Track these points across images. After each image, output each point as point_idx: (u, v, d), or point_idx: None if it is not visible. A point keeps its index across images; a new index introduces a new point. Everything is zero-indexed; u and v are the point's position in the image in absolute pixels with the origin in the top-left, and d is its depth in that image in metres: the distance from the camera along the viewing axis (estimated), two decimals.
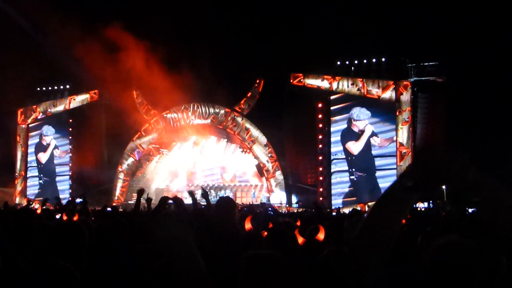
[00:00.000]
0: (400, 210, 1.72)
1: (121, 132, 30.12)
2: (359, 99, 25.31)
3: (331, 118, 26.07)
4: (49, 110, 31.60)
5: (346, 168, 25.57)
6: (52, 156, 31.67)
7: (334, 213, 14.54)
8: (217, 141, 31.40)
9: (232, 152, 31.12)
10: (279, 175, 28.19)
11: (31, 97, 31.91)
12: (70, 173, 30.57)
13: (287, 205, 26.41)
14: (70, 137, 30.74)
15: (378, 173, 24.70)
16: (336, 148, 25.86)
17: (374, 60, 25.13)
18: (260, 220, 4.51)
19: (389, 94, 24.47)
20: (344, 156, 25.66)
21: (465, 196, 1.67)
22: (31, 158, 32.16)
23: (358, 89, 25.16)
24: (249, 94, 28.98)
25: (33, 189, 31.88)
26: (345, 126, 25.59)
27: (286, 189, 27.98)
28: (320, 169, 26.43)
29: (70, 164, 30.60)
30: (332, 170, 25.93)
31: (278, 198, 27.54)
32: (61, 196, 23.64)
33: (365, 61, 25.39)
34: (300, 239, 3.53)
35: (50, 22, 23.31)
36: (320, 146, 26.38)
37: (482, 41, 23.71)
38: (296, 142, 28.13)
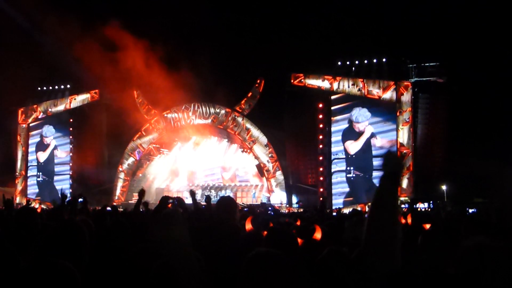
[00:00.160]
0: (394, 203, 1.98)
1: (122, 132, 30.14)
2: (360, 100, 25.31)
3: (332, 118, 26.06)
4: (49, 109, 31.62)
5: (345, 167, 25.62)
6: (52, 155, 31.69)
7: (334, 213, 14.55)
8: (218, 141, 31.40)
9: (232, 152, 31.12)
10: (279, 175, 28.19)
11: (31, 97, 31.95)
12: (71, 173, 30.57)
13: (287, 205, 26.40)
14: (71, 137, 30.74)
15: (375, 173, 24.68)
16: (336, 148, 25.86)
17: (374, 60, 25.12)
18: (260, 221, 4.51)
19: (389, 94, 24.46)
20: (344, 156, 25.68)
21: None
22: (31, 157, 32.21)
23: (359, 90, 25.14)
24: (249, 94, 28.98)
25: (33, 188, 31.93)
26: (346, 125, 25.61)
27: (287, 189, 27.99)
28: (321, 169, 26.42)
29: (71, 164, 30.60)
30: (332, 170, 25.93)
31: (279, 198, 27.54)
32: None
33: (365, 61, 25.39)
34: (298, 240, 3.52)
35: (50, 21, 23.29)
36: (321, 146, 26.38)
37: (482, 42, 23.71)
38: (297, 142, 28.14)
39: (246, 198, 29.47)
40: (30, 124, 32.37)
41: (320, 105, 26.39)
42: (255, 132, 28.71)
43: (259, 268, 1.99)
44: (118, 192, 30.76)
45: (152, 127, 30.89)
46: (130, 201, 28.46)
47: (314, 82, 26.40)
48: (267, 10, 27.49)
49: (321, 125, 26.34)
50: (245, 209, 10.44)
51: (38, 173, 31.80)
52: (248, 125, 28.82)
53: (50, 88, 31.74)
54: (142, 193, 6.18)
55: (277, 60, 26.34)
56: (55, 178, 31.32)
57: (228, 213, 4.08)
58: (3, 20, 24.22)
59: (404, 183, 23.85)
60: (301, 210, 19.83)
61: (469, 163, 22.44)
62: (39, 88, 31.74)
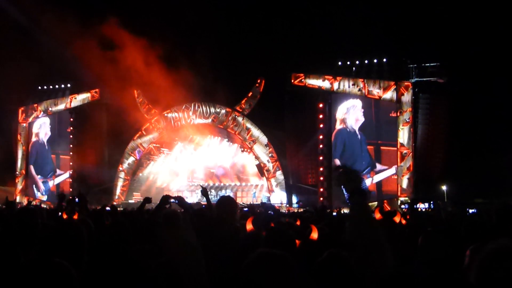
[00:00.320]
0: (366, 215, 2.24)
1: (122, 131, 30.14)
2: (360, 100, 25.37)
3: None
4: (50, 109, 31.65)
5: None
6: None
7: (334, 213, 14.53)
8: (218, 140, 31.39)
9: (232, 152, 31.12)
10: (279, 175, 28.20)
11: (32, 96, 31.97)
12: (71, 172, 30.57)
13: (288, 205, 26.41)
14: (71, 136, 30.73)
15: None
16: None
17: (375, 60, 25.12)
18: (260, 220, 4.51)
19: (390, 94, 24.45)
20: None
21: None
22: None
23: (359, 90, 25.15)
24: (250, 94, 28.98)
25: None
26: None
27: (287, 189, 27.99)
28: (321, 169, 26.41)
29: (71, 163, 30.59)
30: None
31: (279, 198, 27.55)
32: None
33: (366, 61, 25.39)
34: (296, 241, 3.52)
35: (51, 20, 23.31)
36: (321, 146, 26.37)
37: (483, 42, 23.72)
38: (297, 142, 28.14)
39: (246, 198, 29.48)
40: (31, 123, 32.41)
41: (321, 105, 26.39)
42: (255, 132, 28.71)
43: (262, 269, 1.99)
44: (118, 191, 30.76)
45: (152, 126, 30.90)
46: (130, 201, 28.50)
47: (315, 82, 26.40)
48: (267, 10, 27.49)
49: (321, 125, 26.34)
50: (245, 209, 10.42)
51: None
52: (249, 125, 28.83)
53: (51, 87, 31.76)
54: (147, 200, 6.15)
55: (278, 60, 26.37)
56: (57, 177, 31.38)
57: (228, 213, 4.08)
58: (4, 19, 24.24)
59: (404, 183, 23.86)
60: (301, 210, 19.84)
61: (469, 163, 22.46)
62: (39, 87, 31.76)
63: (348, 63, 25.84)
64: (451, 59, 23.69)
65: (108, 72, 25.90)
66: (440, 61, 23.76)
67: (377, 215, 6.14)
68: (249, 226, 3.81)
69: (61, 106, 31.40)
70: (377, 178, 24.75)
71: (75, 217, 5.93)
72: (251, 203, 25.33)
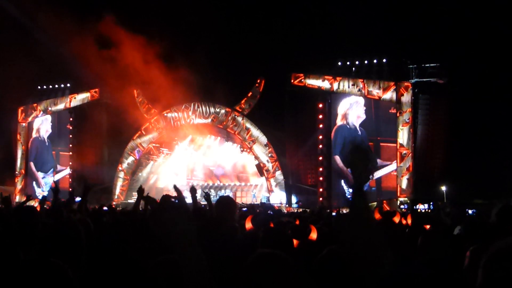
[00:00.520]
0: (367, 215, 2.16)
1: (122, 131, 30.12)
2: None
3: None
4: (49, 108, 31.65)
5: None
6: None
7: (334, 213, 14.53)
8: (218, 140, 31.39)
9: (232, 152, 31.11)
10: (279, 175, 28.20)
11: (32, 96, 31.97)
12: (70, 172, 30.56)
13: (287, 205, 26.40)
14: (71, 136, 30.72)
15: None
16: None
17: (375, 61, 25.14)
18: (260, 220, 4.50)
19: (389, 95, 24.46)
20: None
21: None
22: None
23: (359, 90, 25.17)
24: (249, 94, 28.97)
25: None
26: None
27: (286, 189, 27.98)
28: (320, 169, 26.42)
29: (70, 163, 30.58)
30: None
31: (278, 198, 27.55)
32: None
33: (366, 62, 25.41)
34: (294, 241, 3.51)
35: (51, 20, 23.30)
36: (320, 146, 26.38)
37: (483, 43, 23.72)
38: (297, 142, 28.14)
39: (246, 198, 29.49)
40: (30, 123, 32.42)
41: (320, 105, 26.40)
42: (255, 131, 28.71)
43: (261, 269, 1.98)
44: (117, 191, 30.76)
45: (152, 126, 30.89)
46: (129, 200, 28.48)
47: (314, 82, 26.41)
48: (267, 10, 27.48)
49: (321, 125, 26.34)
50: (244, 209, 10.41)
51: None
52: (248, 125, 28.82)
53: (50, 87, 31.79)
54: (141, 191, 6.16)
55: (278, 60, 26.37)
56: (56, 177, 31.37)
57: (227, 213, 4.08)
58: (3, 19, 24.24)
59: (404, 183, 23.86)
60: (301, 210, 19.84)
61: (469, 164, 22.46)
62: (39, 87, 31.78)
63: (348, 63, 25.86)
64: (451, 60, 23.71)
65: (107, 72, 25.92)
66: (440, 61, 23.77)
67: (377, 216, 6.14)
68: (248, 225, 3.80)
69: (60, 106, 31.40)
70: (378, 174, 24.75)
71: (74, 216, 5.92)
72: (251, 203, 25.36)
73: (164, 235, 1.75)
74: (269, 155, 28.41)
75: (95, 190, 27.39)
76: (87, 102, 30.72)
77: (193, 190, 5.65)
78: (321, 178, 26.36)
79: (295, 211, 19.98)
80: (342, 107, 25.84)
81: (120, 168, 31.01)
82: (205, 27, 24.53)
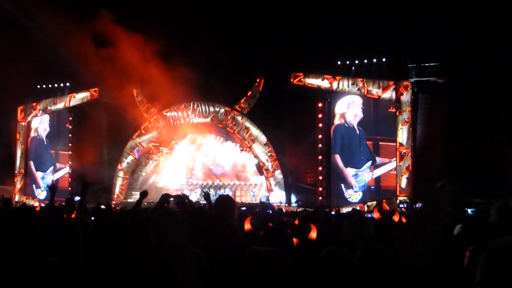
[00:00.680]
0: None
1: (121, 130, 30.12)
2: (359, 96, 25.46)
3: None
4: (49, 107, 31.65)
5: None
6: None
7: (333, 212, 14.56)
8: (217, 139, 31.41)
9: (231, 151, 31.13)
10: (278, 174, 28.20)
11: (31, 95, 31.96)
12: (70, 171, 30.56)
13: (287, 204, 26.41)
14: (70, 135, 30.72)
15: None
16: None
17: (374, 60, 25.14)
18: (260, 220, 4.50)
19: (389, 94, 24.47)
20: None
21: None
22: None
23: (359, 89, 25.17)
24: (249, 93, 28.97)
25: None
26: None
27: (286, 188, 27.99)
28: (320, 168, 26.42)
29: (70, 162, 30.58)
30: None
31: (278, 197, 27.56)
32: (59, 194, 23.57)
33: (365, 61, 25.40)
34: (294, 240, 3.51)
35: (50, 19, 23.27)
36: (320, 145, 26.38)
37: (483, 42, 23.70)
38: (296, 141, 28.12)
39: (245, 197, 29.52)
40: (30, 122, 32.41)
41: (320, 105, 26.40)
42: (255, 131, 28.71)
43: (259, 266, 1.98)
44: (117, 190, 30.75)
45: (151, 125, 30.88)
46: (129, 200, 28.48)
47: (314, 82, 26.42)
48: (267, 9, 27.45)
49: (320, 124, 26.35)
50: (243, 208, 10.40)
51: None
52: (248, 124, 28.82)
53: (50, 86, 31.78)
54: (144, 194, 6.14)
55: (277, 60, 26.31)
56: (55, 176, 31.39)
57: (226, 212, 4.08)
58: (1, 18, 24.21)
59: (403, 182, 23.88)
60: (300, 209, 19.85)
61: (468, 163, 22.45)
62: (38, 86, 31.77)
63: (348, 62, 25.86)
64: (450, 59, 23.69)
65: (107, 71, 25.90)
66: (440, 61, 23.76)
67: (376, 215, 6.13)
68: (247, 226, 3.80)
69: (60, 105, 31.40)
70: (378, 172, 24.77)
71: (73, 216, 5.92)
72: (250, 202, 25.39)
73: (159, 237, 1.75)
74: (269, 154, 28.41)
75: (95, 189, 27.40)
76: (87, 101, 30.71)
77: (207, 197, 5.66)
78: (320, 178, 26.37)
79: (295, 210, 19.99)
80: (339, 107, 25.87)
81: (119, 167, 31.01)
82: (204, 26, 24.52)
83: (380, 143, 24.95)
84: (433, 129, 24.02)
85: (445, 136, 23.41)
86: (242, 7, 26.53)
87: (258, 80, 28.66)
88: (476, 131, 23.30)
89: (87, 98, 30.67)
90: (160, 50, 25.52)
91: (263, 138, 28.54)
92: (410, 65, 24.26)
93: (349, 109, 25.61)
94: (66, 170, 30.93)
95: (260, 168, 28.73)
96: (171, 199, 5.14)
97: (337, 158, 25.64)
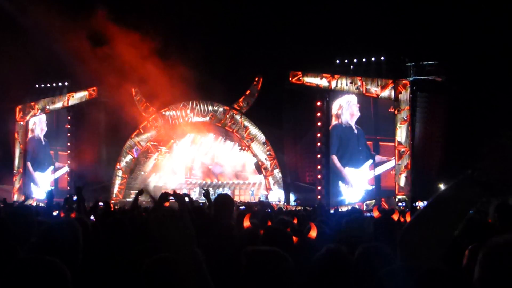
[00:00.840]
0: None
1: (120, 130, 30.07)
2: (358, 98, 25.42)
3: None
4: (47, 107, 31.61)
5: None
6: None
7: (332, 211, 14.58)
8: (216, 138, 31.40)
9: (230, 150, 31.12)
10: (277, 173, 28.20)
11: (29, 94, 31.92)
12: (68, 170, 30.54)
13: (286, 203, 26.42)
14: (69, 134, 30.70)
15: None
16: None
17: (373, 58, 25.16)
18: (259, 218, 4.49)
19: (388, 92, 24.49)
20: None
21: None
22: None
23: (357, 88, 25.17)
24: (248, 92, 28.96)
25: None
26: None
27: (285, 187, 28.00)
28: (319, 167, 26.42)
29: (69, 162, 30.56)
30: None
31: (277, 196, 27.57)
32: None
33: (364, 59, 25.42)
34: (293, 238, 3.51)
35: (48, 18, 23.23)
36: (319, 144, 26.38)
37: (482, 41, 23.70)
38: (295, 140, 28.14)
39: (244, 196, 29.50)
40: (28, 122, 32.37)
41: (318, 103, 26.40)
42: (253, 130, 28.71)
43: (257, 266, 1.97)
44: (116, 189, 30.74)
45: (150, 124, 30.86)
46: (128, 199, 28.46)
47: (313, 80, 26.40)
48: (265, 8, 27.42)
49: (319, 123, 26.35)
50: (242, 207, 10.38)
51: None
52: (246, 123, 28.81)
53: (48, 85, 31.74)
54: (140, 193, 6.15)
55: (276, 58, 26.32)
56: (54, 175, 31.38)
57: (225, 211, 4.08)
58: (1, 17, 24.17)
59: (402, 181, 23.90)
60: (299, 208, 19.85)
61: (467, 162, 22.47)
62: (37, 86, 31.75)
63: (346, 61, 25.87)
64: (449, 58, 23.69)
65: (105, 70, 25.86)
66: (438, 59, 23.78)
67: (376, 213, 6.13)
68: (246, 223, 3.79)
69: (58, 105, 31.36)
70: (378, 171, 24.77)
71: (73, 215, 5.91)
72: (249, 201, 25.39)
73: (161, 235, 1.74)
74: (267, 153, 28.42)
75: (94, 188, 27.39)
76: (85, 100, 30.69)
77: (207, 194, 5.66)
78: (319, 176, 26.37)
79: (294, 209, 20.00)
80: (335, 107, 25.87)
81: (118, 166, 30.99)
82: (203, 25, 24.49)
83: (380, 143, 24.93)
84: (432, 128, 24.04)
85: (443, 135, 23.43)
86: (241, 5, 26.48)
87: (256, 79, 28.65)
88: (475, 129, 23.32)
89: (86, 97, 30.64)
90: (158, 49, 25.52)
91: (261, 137, 28.54)
92: (409, 64, 24.28)
93: (344, 109, 25.60)
94: (65, 169, 30.89)
95: (259, 167, 28.73)
96: (170, 197, 5.12)
97: (335, 159, 25.65)
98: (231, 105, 29.25)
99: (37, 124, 32.19)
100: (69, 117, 30.81)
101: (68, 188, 29.23)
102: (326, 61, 26.27)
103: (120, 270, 2.94)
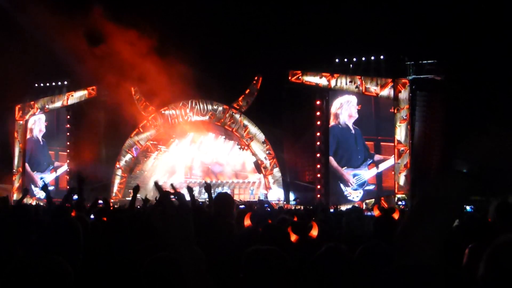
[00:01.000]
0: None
1: (119, 129, 30.06)
2: (358, 99, 25.43)
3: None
4: (47, 106, 31.58)
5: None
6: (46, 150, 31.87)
7: (332, 210, 14.59)
8: (215, 138, 31.39)
9: (230, 149, 31.11)
10: (276, 172, 28.19)
11: (29, 93, 31.87)
12: (68, 170, 30.52)
13: (285, 202, 26.42)
14: (68, 134, 30.68)
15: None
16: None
17: (372, 57, 25.16)
18: (258, 217, 4.49)
19: (387, 91, 24.49)
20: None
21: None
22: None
23: (357, 87, 25.18)
24: (247, 91, 28.95)
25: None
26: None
27: (284, 186, 27.99)
28: (318, 166, 26.43)
29: (68, 161, 30.54)
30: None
31: (276, 195, 27.57)
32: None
33: (363, 58, 25.43)
34: (293, 237, 3.51)
35: (48, 17, 23.20)
36: (318, 143, 26.38)
37: (481, 39, 23.70)
38: (294, 139, 28.12)
39: (243, 195, 29.50)
40: (28, 121, 32.34)
41: (318, 102, 26.40)
42: (253, 129, 28.70)
43: (256, 265, 1.97)
44: (115, 189, 30.73)
45: (149, 124, 30.84)
46: (127, 198, 28.46)
47: (312, 79, 26.41)
48: (264, 7, 27.40)
49: (318, 122, 26.35)
50: (241, 206, 10.39)
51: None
52: (246, 122, 28.81)
53: (48, 84, 31.70)
54: (136, 189, 6.16)
55: (275, 57, 26.30)
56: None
57: (225, 210, 4.07)
58: (0, 17, 24.14)
59: (402, 180, 23.91)
60: (298, 207, 19.86)
61: (466, 161, 22.46)
62: (36, 85, 31.70)
63: (346, 60, 25.88)
64: (448, 57, 23.70)
65: (105, 70, 25.85)
66: (438, 58, 23.79)
67: (376, 212, 6.13)
68: (247, 222, 3.79)
69: (58, 104, 31.33)
70: (381, 167, 24.76)
71: (73, 214, 5.90)
72: (249, 200, 25.40)
73: (163, 232, 1.73)
74: (267, 152, 28.41)
75: (93, 187, 27.36)
76: (85, 99, 30.67)
77: (190, 189, 5.67)
78: (318, 175, 26.38)
79: (293, 208, 20.01)
80: (335, 105, 25.88)
81: (117, 165, 30.98)
82: (202, 24, 24.46)
83: (381, 143, 24.93)
84: (431, 127, 24.05)
85: (443, 133, 23.44)
86: (241, 4, 26.47)
87: (256, 78, 28.64)
88: (474, 128, 23.29)
89: (85, 96, 30.63)
90: (157, 48, 25.51)
91: (261, 136, 28.54)
92: (408, 63, 24.29)
93: (342, 110, 25.61)
94: (65, 168, 30.87)
95: (259, 166, 28.72)
96: (171, 197, 5.12)
97: (332, 160, 25.67)
98: (231, 104, 29.24)
99: (36, 124, 32.15)
100: (68, 116, 30.80)
101: (68, 187, 29.18)
102: (325, 60, 26.27)
103: (120, 269, 2.94)
